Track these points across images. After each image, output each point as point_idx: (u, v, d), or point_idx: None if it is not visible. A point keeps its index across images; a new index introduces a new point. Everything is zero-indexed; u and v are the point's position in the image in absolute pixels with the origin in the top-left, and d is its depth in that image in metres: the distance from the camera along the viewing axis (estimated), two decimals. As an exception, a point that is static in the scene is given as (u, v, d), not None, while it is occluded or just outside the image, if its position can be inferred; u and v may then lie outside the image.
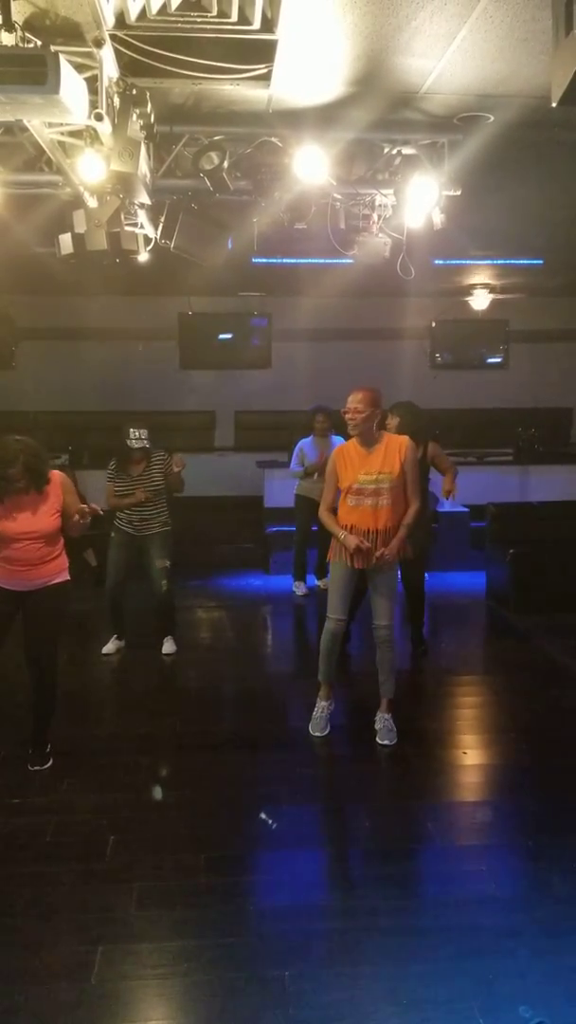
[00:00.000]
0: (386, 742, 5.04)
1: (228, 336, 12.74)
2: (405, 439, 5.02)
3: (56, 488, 4.60)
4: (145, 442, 6.45)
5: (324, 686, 5.26)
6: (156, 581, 6.67)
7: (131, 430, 6.43)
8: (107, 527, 6.58)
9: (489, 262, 9.99)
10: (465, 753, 5.09)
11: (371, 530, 4.91)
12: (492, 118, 5.40)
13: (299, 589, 8.75)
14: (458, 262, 9.74)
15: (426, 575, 6.85)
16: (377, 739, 5.06)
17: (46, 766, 4.70)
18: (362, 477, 4.88)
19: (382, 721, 5.13)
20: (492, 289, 11.66)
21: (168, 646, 6.86)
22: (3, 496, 4.44)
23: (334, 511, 5.05)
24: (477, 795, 4.64)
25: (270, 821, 4.29)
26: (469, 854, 3.99)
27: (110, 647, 6.85)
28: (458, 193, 5.90)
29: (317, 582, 8.76)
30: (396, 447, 4.93)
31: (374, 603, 5.09)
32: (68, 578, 4.77)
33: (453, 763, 4.96)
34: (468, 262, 9.95)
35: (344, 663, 6.13)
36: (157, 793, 4.57)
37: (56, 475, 4.64)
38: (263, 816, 4.32)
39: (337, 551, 5.03)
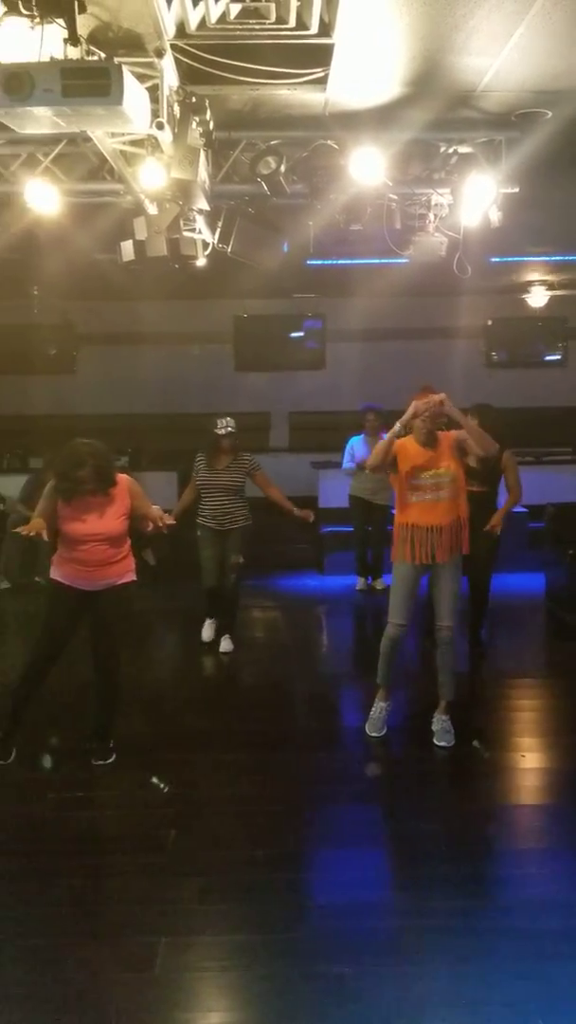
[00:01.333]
0: (443, 743, 5.00)
1: (296, 335, 12.79)
2: (456, 433, 4.98)
3: (123, 492, 4.65)
4: (230, 428, 6.60)
5: (382, 688, 5.24)
6: (226, 575, 6.76)
7: (217, 420, 6.63)
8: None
9: (547, 259, 9.88)
10: (523, 756, 5.05)
11: (434, 526, 4.88)
12: (550, 114, 5.38)
13: (360, 584, 8.92)
14: (515, 259, 9.66)
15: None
16: (435, 740, 5.03)
17: (109, 761, 4.79)
18: (422, 473, 4.88)
19: (440, 722, 5.09)
20: (550, 286, 11.52)
21: (225, 644, 6.91)
22: (71, 498, 4.51)
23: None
24: (536, 798, 4.60)
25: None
26: (528, 857, 3.96)
27: (207, 632, 7.01)
28: (516, 190, 5.88)
29: (372, 581, 8.80)
30: (447, 440, 4.94)
31: (437, 603, 5.04)
32: (134, 579, 4.82)
33: (511, 766, 4.92)
34: (525, 259, 9.87)
35: (401, 662, 6.13)
36: (215, 789, 4.61)
37: (123, 479, 4.69)
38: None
39: (400, 551, 4.97)
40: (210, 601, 6.95)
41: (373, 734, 5.15)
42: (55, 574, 4.72)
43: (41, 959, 3.20)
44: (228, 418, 6.66)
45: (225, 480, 6.70)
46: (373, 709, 5.22)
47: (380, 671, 5.19)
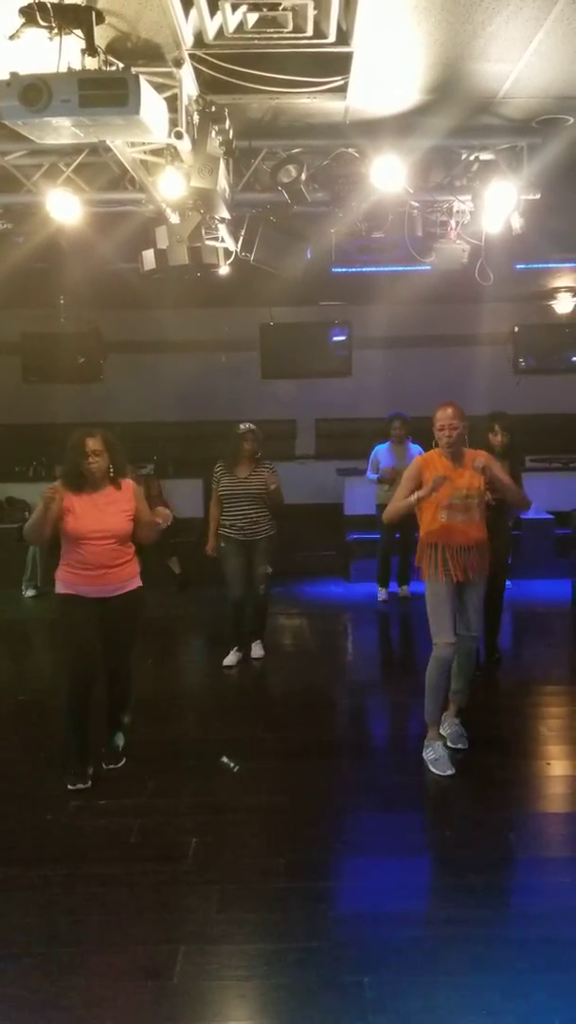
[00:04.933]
0: (460, 746, 4.94)
1: (323, 342, 12.75)
2: (484, 453, 4.90)
3: (129, 492, 4.66)
4: (251, 426, 6.59)
5: (432, 727, 4.90)
6: (255, 586, 6.68)
7: (239, 424, 6.63)
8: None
9: (572, 265, 9.83)
10: (549, 764, 5.01)
11: (465, 546, 4.74)
12: (572, 120, 5.34)
13: (382, 595, 8.78)
14: (541, 266, 9.62)
15: (508, 583, 6.72)
16: (448, 743, 4.93)
17: (120, 764, 4.80)
18: (454, 492, 4.71)
19: (452, 726, 5.02)
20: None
21: (257, 650, 6.90)
22: (82, 480, 4.51)
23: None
24: (561, 806, 4.55)
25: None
26: (552, 866, 3.91)
27: (231, 659, 6.78)
28: (538, 196, 5.84)
29: (398, 588, 8.75)
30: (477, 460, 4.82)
31: (465, 615, 4.87)
32: (140, 584, 4.78)
33: (536, 773, 4.87)
34: (551, 265, 9.81)
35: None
36: (239, 797, 4.61)
37: (129, 482, 4.72)
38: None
39: (433, 570, 4.77)
40: (236, 616, 6.79)
41: (447, 772, 4.72)
42: (62, 587, 4.63)
43: (60, 967, 3.21)
44: (249, 423, 6.66)
45: (250, 487, 6.58)
46: (428, 750, 4.87)
47: (428, 706, 4.89)
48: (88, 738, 4.67)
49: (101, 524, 4.52)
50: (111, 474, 4.58)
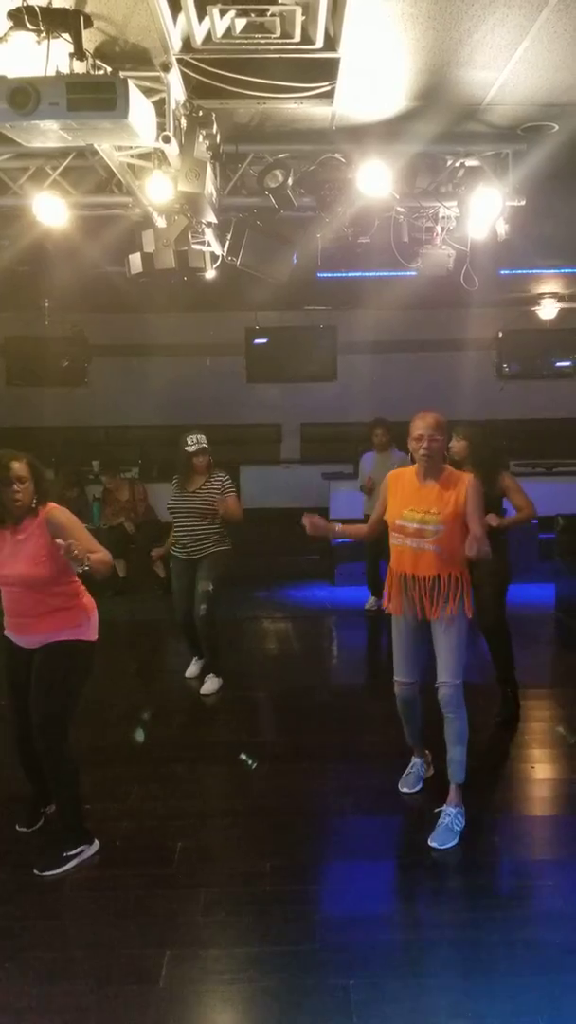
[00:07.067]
0: (434, 844, 4.04)
1: (308, 347, 12.84)
2: (469, 476, 4.17)
3: (41, 527, 3.77)
4: (202, 444, 6.08)
5: (415, 747, 4.68)
6: (196, 605, 6.11)
7: (187, 437, 6.13)
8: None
9: (556, 271, 9.90)
10: (532, 767, 5.03)
11: (408, 575, 4.17)
12: (557, 127, 5.39)
13: (371, 604, 8.73)
14: (525, 272, 9.67)
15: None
16: (429, 839, 4.07)
17: (57, 871, 3.87)
18: (406, 513, 4.10)
19: (444, 816, 4.17)
20: (560, 298, 11.53)
21: (208, 684, 6.23)
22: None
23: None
24: (545, 810, 4.57)
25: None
26: (537, 868, 3.94)
27: (192, 670, 6.51)
28: (522, 203, 5.89)
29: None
30: (455, 485, 4.09)
31: (437, 660, 4.23)
32: (81, 638, 3.91)
33: (520, 777, 4.90)
34: (535, 271, 9.88)
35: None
36: (224, 801, 4.61)
37: (45, 512, 3.80)
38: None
39: (391, 601, 4.31)
40: (184, 636, 6.46)
41: (404, 790, 4.60)
42: (5, 626, 4.03)
43: (46, 972, 3.21)
44: (199, 435, 6.13)
45: (195, 503, 6.08)
46: (409, 766, 4.70)
47: (406, 732, 4.58)
48: (38, 786, 4.21)
49: (8, 568, 3.79)
50: (33, 504, 3.77)
